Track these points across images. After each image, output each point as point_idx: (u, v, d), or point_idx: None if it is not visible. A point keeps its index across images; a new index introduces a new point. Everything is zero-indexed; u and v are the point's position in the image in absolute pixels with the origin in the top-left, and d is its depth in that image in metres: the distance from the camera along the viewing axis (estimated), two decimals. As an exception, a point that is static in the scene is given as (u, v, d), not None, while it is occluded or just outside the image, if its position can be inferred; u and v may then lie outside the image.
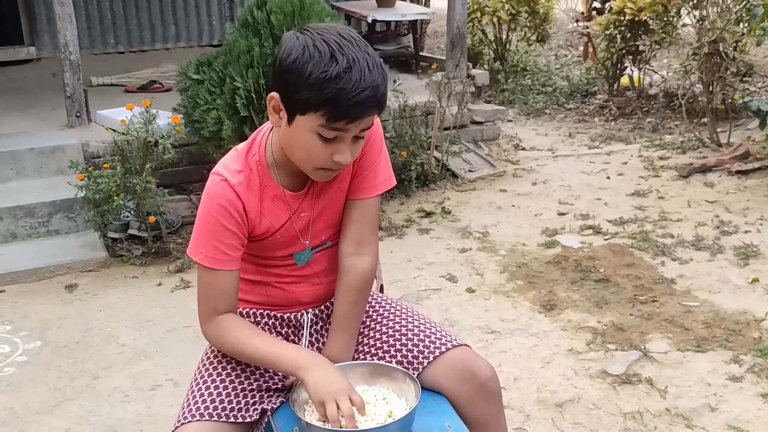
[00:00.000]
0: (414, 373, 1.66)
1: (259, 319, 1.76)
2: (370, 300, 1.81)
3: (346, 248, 1.71)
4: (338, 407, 1.47)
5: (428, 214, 4.64)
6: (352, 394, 1.50)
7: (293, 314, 1.77)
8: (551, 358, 3.04)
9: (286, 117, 1.51)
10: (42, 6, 6.61)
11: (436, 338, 1.72)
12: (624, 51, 6.76)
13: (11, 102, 5.72)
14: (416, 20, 6.65)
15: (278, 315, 1.77)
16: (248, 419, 1.63)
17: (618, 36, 6.66)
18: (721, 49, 5.41)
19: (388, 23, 6.91)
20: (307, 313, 1.77)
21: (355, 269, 1.70)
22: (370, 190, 1.71)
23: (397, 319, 1.78)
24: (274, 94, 1.52)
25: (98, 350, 3.27)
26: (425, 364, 1.68)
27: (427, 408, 1.60)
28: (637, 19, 6.45)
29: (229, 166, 1.62)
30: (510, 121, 6.87)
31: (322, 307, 1.80)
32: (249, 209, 1.61)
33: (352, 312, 1.71)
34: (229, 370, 1.68)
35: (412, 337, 1.73)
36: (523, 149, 5.98)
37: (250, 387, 1.67)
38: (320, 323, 1.80)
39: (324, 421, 1.49)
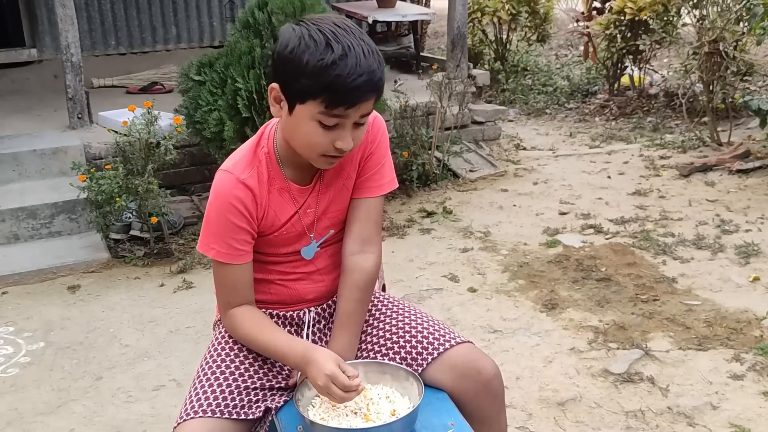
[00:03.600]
0: (418, 370, 1.67)
1: (261, 317, 1.78)
2: (372, 299, 1.82)
3: (350, 246, 1.72)
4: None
5: (430, 214, 4.64)
6: (336, 380, 1.48)
7: (295, 312, 1.78)
8: (553, 357, 3.05)
9: (286, 107, 1.55)
10: (43, 8, 6.61)
11: (439, 335, 1.72)
12: (624, 50, 6.77)
13: (13, 104, 5.72)
14: (417, 21, 6.66)
15: (281, 313, 1.78)
16: (251, 416, 1.63)
17: (618, 35, 6.67)
18: (721, 48, 5.42)
19: (388, 24, 6.91)
20: (309, 311, 1.78)
21: (360, 267, 1.71)
22: (376, 190, 1.73)
23: (400, 317, 1.79)
24: (275, 84, 1.55)
25: (101, 351, 3.28)
26: (429, 360, 1.69)
27: (430, 406, 1.60)
28: (637, 18, 6.46)
29: (237, 162, 1.64)
30: (511, 121, 6.88)
31: (324, 305, 1.81)
32: (259, 201, 1.63)
33: (357, 310, 1.71)
34: (232, 369, 1.68)
35: (415, 334, 1.73)
36: (524, 149, 5.99)
37: (254, 385, 1.67)
38: (323, 321, 1.81)
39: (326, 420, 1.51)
